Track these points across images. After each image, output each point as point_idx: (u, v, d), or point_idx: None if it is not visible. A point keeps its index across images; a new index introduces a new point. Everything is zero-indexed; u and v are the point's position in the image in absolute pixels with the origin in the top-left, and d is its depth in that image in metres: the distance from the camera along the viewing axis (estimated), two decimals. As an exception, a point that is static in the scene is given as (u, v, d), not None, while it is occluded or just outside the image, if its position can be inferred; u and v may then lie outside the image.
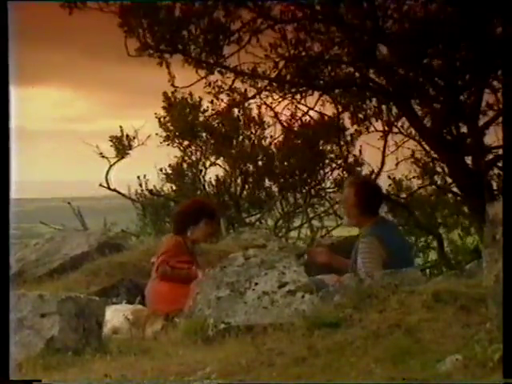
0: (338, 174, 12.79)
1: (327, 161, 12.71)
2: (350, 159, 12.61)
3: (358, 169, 12.49)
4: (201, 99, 13.35)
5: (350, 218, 7.47)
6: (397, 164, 12.19)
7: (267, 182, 13.40)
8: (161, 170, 13.85)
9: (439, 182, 12.00)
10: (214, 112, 13.01)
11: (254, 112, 13.39)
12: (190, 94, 13.38)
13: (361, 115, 12.01)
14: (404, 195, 12.93)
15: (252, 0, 10.06)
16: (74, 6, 9.80)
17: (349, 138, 12.40)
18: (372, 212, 7.34)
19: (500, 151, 10.71)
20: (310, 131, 12.49)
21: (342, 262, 7.51)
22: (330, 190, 12.89)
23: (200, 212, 7.77)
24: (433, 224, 11.99)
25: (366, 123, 12.06)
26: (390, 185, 12.75)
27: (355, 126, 12.19)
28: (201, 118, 13.54)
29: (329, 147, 12.68)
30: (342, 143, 12.40)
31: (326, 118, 12.16)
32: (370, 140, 12.21)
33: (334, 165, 12.70)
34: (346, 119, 12.21)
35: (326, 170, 12.87)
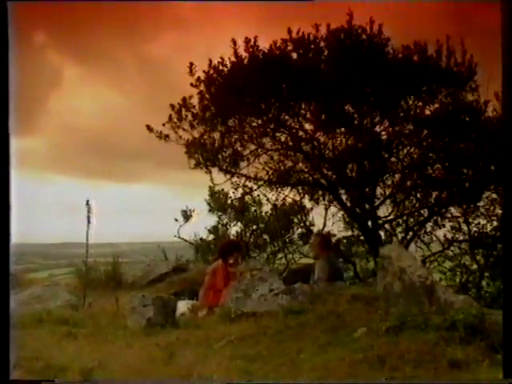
0: (299, 232, 12.68)
1: (294, 223, 12.68)
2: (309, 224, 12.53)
3: (311, 228, 12.43)
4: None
5: (315, 252, 7.76)
6: (332, 224, 12.11)
7: (264, 235, 13.31)
8: (207, 228, 13.87)
9: (354, 234, 11.89)
10: (234, 198, 12.97)
11: (256, 198, 13.33)
12: (222, 190, 13.31)
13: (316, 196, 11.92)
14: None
15: (256, 139, 10.15)
16: (163, 137, 9.77)
17: (306, 211, 12.38)
18: (327, 249, 7.61)
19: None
20: (286, 208, 12.49)
21: None
22: (296, 239, 12.79)
23: (232, 246, 7.58)
24: (349, 256, 11.88)
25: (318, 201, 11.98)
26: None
27: (311, 204, 12.05)
28: (228, 201, 13.54)
29: (296, 216, 12.67)
30: (302, 214, 12.37)
31: (294, 201, 12.16)
32: (319, 212, 12.13)
33: (298, 226, 12.64)
34: (306, 202, 12.15)
35: (295, 228, 12.83)
